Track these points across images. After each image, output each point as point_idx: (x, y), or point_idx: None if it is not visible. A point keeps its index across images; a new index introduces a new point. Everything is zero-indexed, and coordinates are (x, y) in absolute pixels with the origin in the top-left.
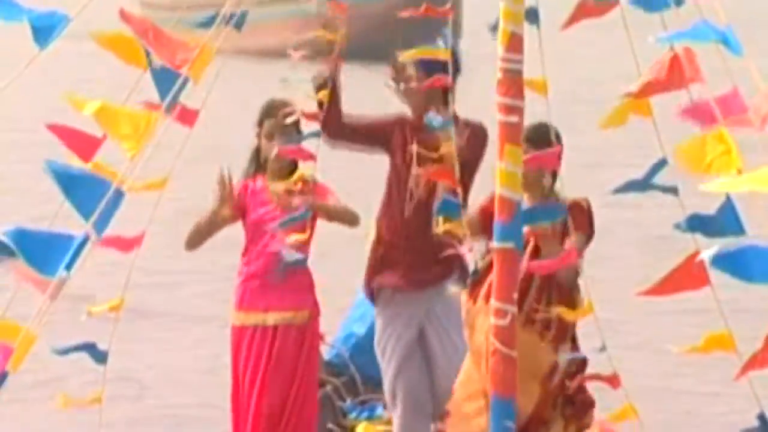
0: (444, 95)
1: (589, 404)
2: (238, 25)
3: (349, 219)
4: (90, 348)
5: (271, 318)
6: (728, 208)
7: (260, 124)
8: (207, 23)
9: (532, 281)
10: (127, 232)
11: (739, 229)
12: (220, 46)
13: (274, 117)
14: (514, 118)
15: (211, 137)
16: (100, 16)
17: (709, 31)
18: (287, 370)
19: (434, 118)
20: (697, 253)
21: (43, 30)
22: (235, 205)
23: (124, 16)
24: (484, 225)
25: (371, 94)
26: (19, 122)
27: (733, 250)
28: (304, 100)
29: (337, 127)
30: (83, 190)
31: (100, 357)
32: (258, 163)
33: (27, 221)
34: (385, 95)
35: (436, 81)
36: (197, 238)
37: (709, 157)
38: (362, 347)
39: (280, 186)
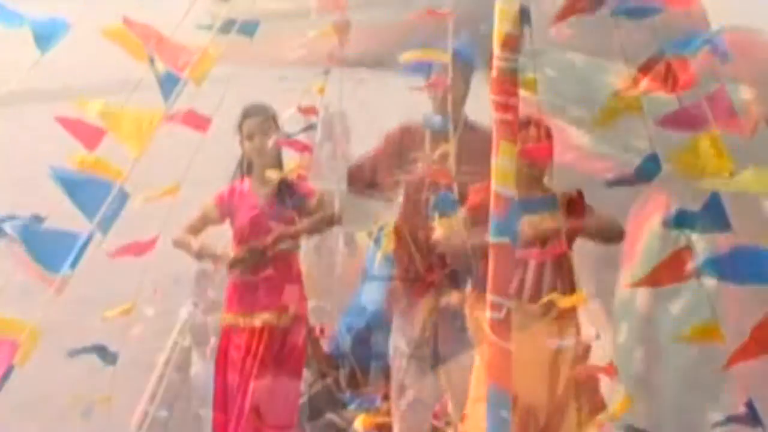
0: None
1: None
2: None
3: (327, 224)
4: (100, 350)
5: (259, 319)
6: (714, 203)
7: (240, 127)
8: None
9: (544, 269)
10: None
11: (725, 226)
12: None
13: (251, 117)
14: (508, 116)
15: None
16: (102, 18)
17: (699, 39)
18: (271, 368)
19: (432, 118)
20: (687, 248)
21: (45, 36)
22: (222, 209)
23: (128, 22)
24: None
25: (382, 100)
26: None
27: (721, 255)
28: (302, 95)
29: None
30: (88, 193)
31: (111, 359)
32: (244, 166)
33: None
34: (398, 99)
35: (436, 81)
36: (186, 250)
37: (702, 161)
38: (362, 339)
39: (274, 174)
